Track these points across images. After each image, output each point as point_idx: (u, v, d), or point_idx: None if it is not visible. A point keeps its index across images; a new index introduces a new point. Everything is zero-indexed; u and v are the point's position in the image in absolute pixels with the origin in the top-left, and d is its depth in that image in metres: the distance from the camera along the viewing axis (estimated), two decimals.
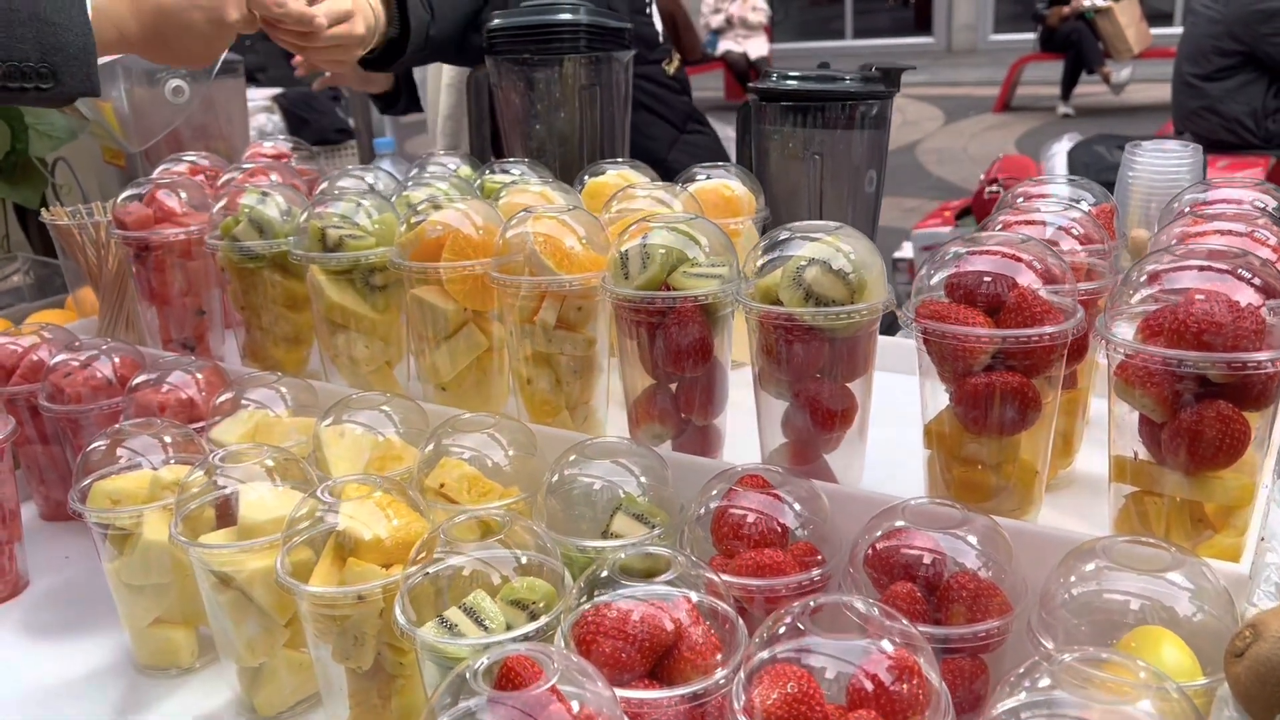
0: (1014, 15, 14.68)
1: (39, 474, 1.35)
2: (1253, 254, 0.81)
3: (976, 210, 3.78)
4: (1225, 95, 5.08)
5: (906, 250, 4.19)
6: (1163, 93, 5.48)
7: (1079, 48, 9.94)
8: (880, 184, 1.50)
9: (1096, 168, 3.62)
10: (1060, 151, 3.84)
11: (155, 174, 1.52)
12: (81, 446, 1.26)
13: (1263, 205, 0.99)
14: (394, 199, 1.29)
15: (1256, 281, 0.76)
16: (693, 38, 11.21)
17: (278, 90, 4.40)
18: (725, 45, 12.05)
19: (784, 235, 0.94)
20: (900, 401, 1.03)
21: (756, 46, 12.02)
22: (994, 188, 3.61)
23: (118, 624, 1.11)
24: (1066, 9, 9.84)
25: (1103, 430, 1.01)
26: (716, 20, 11.96)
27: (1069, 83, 10.14)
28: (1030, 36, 11.10)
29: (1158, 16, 10.88)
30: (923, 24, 15.76)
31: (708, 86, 12.66)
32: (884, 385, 1.01)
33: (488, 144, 1.76)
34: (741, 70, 12.09)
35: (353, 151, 4.06)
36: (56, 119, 2.12)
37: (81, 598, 1.19)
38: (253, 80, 7.13)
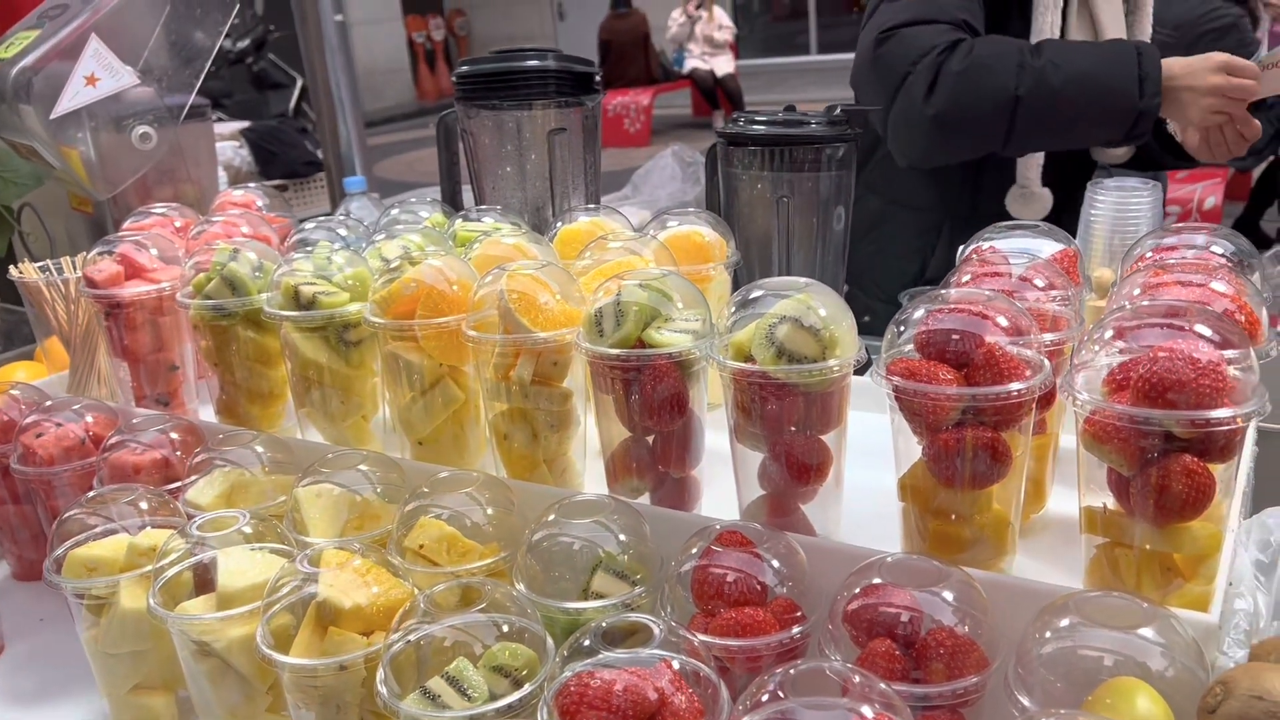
0: None
1: (11, 534, 1.34)
2: (1211, 308, 0.83)
3: None
4: None
5: None
6: None
7: None
8: (848, 220, 1.52)
9: None
10: None
11: (125, 225, 1.52)
12: (55, 507, 1.25)
13: (1220, 251, 1.01)
14: (366, 249, 1.29)
15: (1215, 337, 0.78)
16: None
17: (245, 124, 4.38)
18: (692, 63, 12.12)
19: (756, 293, 0.96)
20: (876, 442, 1.04)
21: (723, 64, 12.10)
22: None
23: (96, 689, 1.10)
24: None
25: (1073, 468, 1.03)
26: (676, 31, 12.02)
27: None
28: None
29: None
30: None
31: (675, 104, 12.73)
32: (860, 425, 1.02)
33: (457, 187, 1.77)
34: (708, 87, 12.17)
35: (322, 185, 4.05)
36: (21, 165, 2.10)
37: (58, 662, 1.18)
38: (218, 106, 7.09)
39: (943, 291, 0.91)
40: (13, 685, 1.15)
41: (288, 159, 4.13)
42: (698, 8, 11.90)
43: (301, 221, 2.19)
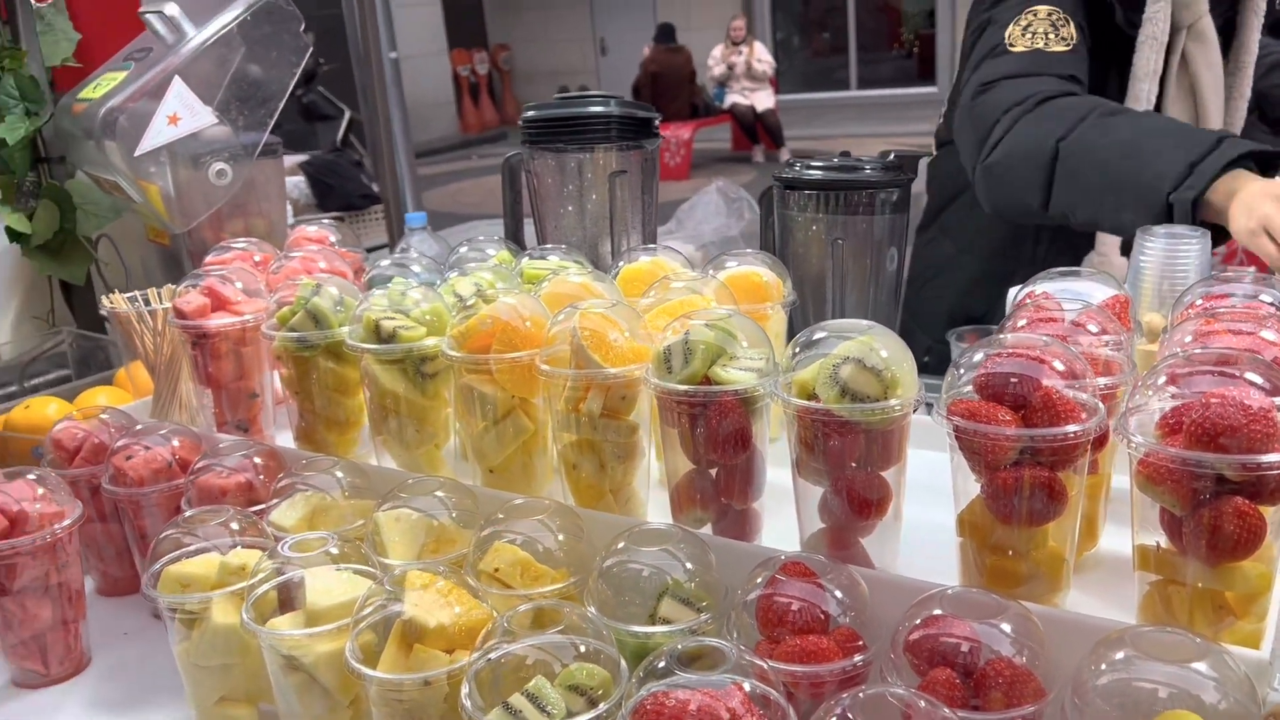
0: None
1: (97, 551, 1.41)
2: (1261, 356, 0.87)
3: None
4: None
5: None
6: None
7: None
8: (901, 261, 1.56)
9: None
10: None
11: (207, 260, 1.59)
12: (142, 526, 1.32)
13: (1268, 299, 1.05)
14: (440, 285, 1.36)
15: (1266, 384, 0.82)
16: None
17: (303, 157, 4.52)
18: (732, 98, 12.25)
19: (819, 334, 1.01)
20: (932, 479, 1.08)
21: (763, 99, 12.22)
22: None
23: (179, 700, 1.16)
24: None
25: (1123, 508, 1.07)
26: (720, 71, 12.17)
27: None
28: None
29: None
30: (926, 73, 16.00)
31: (715, 139, 12.86)
32: (916, 462, 1.06)
33: (520, 224, 1.84)
34: (748, 122, 12.29)
35: (377, 217, 4.16)
36: (102, 199, 2.21)
37: (143, 674, 1.24)
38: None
39: (1000, 336, 0.96)
40: (101, 696, 1.22)
41: (344, 191, 4.24)
42: (739, 44, 12.05)
43: (370, 251, 2.27)
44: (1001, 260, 2.00)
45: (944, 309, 2.06)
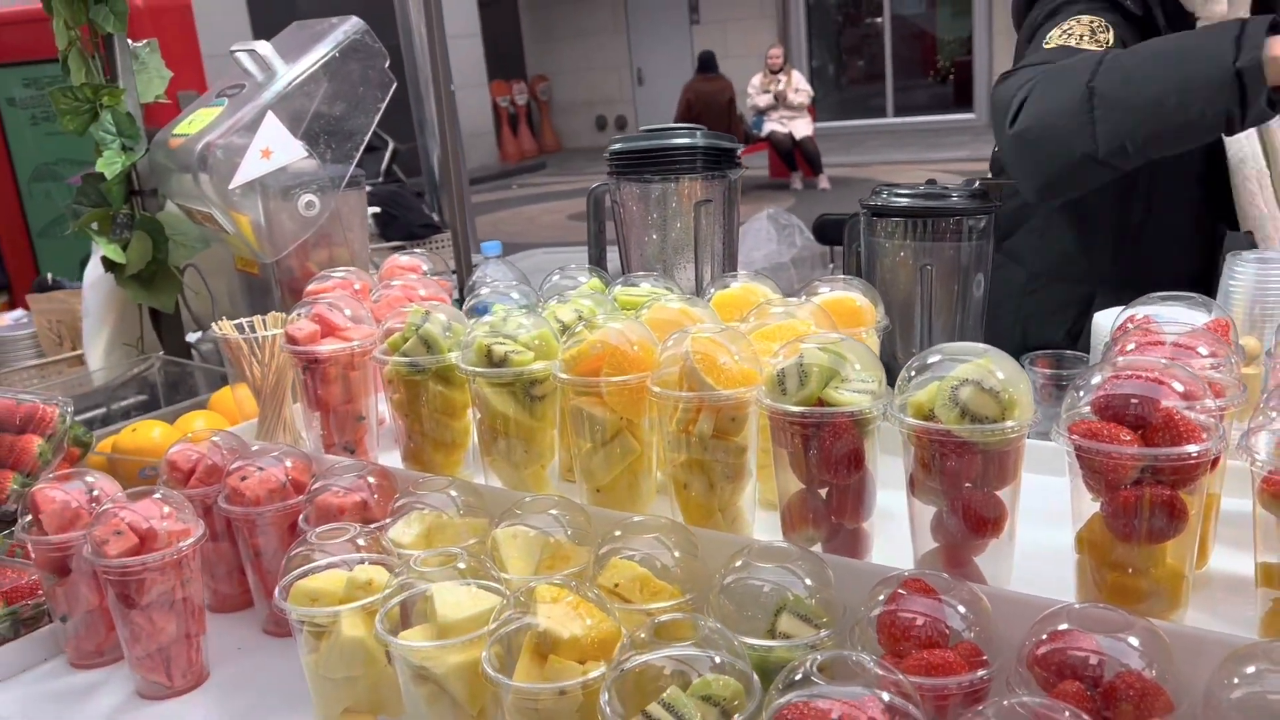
0: None
1: (209, 569, 1.46)
2: None
3: None
4: None
5: None
6: None
7: None
8: (987, 286, 1.59)
9: None
10: None
11: (309, 288, 1.65)
12: (257, 545, 1.37)
13: None
14: (542, 311, 1.41)
15: None
16: None
17: (367, 188, 4.61)
18: (770, 126, 12.33)
19: (934, 357, 1.04)
20: (1042, 502, 1.11)
21: (801, 127, 12.29)
22: None
23: (297, 712, 1.20)
24: None
25: (1232, 530, 1.08)
26: (764, 100, 12.25)
27: None
28: None
29: None
30: (962, 99, 16.02)
31: (753, 165, 12.93)
32: (1027, 487, 1.08)
33: (603, 252, 1.89)
34: (786, 150, 12.36)
35: (440, 245, 4.24)
36: (190, 229, 2.29)
37: (260, 687, 1.29)
38: None
39: (1116, 359, 0.98)
40: (224, 707, 1.26)
41: (406, 221, 4.35)
42: (776, 72, 12.13)
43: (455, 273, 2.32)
44: (1078, 285, 2.01)
45: (1021, 334, 2.07)
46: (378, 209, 4.25)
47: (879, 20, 16.62)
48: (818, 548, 1.15)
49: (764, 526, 1.26)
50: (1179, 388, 0.93)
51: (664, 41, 17.30)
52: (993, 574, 1.06)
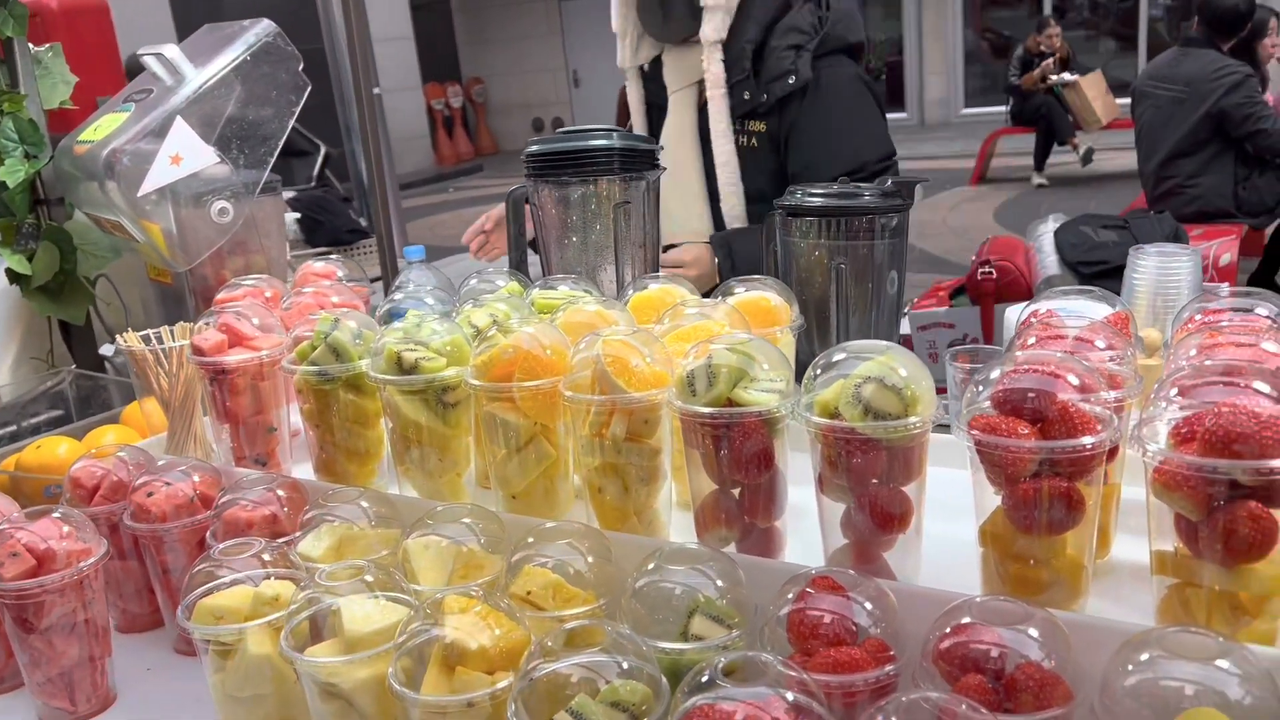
0: (983, 89, 15.18)
1: (116, 588, 1.42)
2: (1265, 366, 0.91)
3: (971, 291, 3.93)
4: (1198, 170, 5.30)
5: (903, 327, 4.32)
6: (1133, 160, 5.71)
7: (1049, 120, 10.29)
8: (901, 284, 1.61)
9: (1083, 246, 3.78)
10: (1047, 232, 4.00)
11: (218, 297, 1.61)
12: (165, 562, 1.34)
13: (1264, 313, 1.10)
14: (455, 316, 1.39)
15: (1273, 392, 0.86)
16: None
17: (290, 194, 4.53)
18: None
19: (839, 355, 1.04)
20: (953, 496, 1.11)
21: None
22: (987, 269, 3.76)
23: None
24: (1036, 72, 10.18)
25: (1135, 518, 1.10)
26: None
27: (1041, 155, 10.47)
28: (1000, 109, 11.48)
29: (1122, 86, 11.28)
30: (895, 99, 16.24)
31: None
32: (939, 481, 1.09)
33: (525, 256, 1.87)
34: None
35: (365, 251, 4.18)
36: (101, 239, 2.23)
37: (169, 709, 1.25)
38: None
39: (1015, 353, 1.00)
40: None
41: (333, 227, 4.27)
42: None
43: (374, 280, 2.29)
44: None
45: None
46: (298, 215, 4.18)
47: None
48: (732, 548, 1.15)
49: (682, 528, 1.26)
50: (1075, 381, 0.94)
51: (600, 43, 17.25)
52: (902, 569, 1.06)
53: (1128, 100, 6.03)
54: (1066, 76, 10.13)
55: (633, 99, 2.33)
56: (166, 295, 2.17)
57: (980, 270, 3.79)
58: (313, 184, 7.90)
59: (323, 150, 8.09)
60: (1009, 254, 3.97)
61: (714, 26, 2.05)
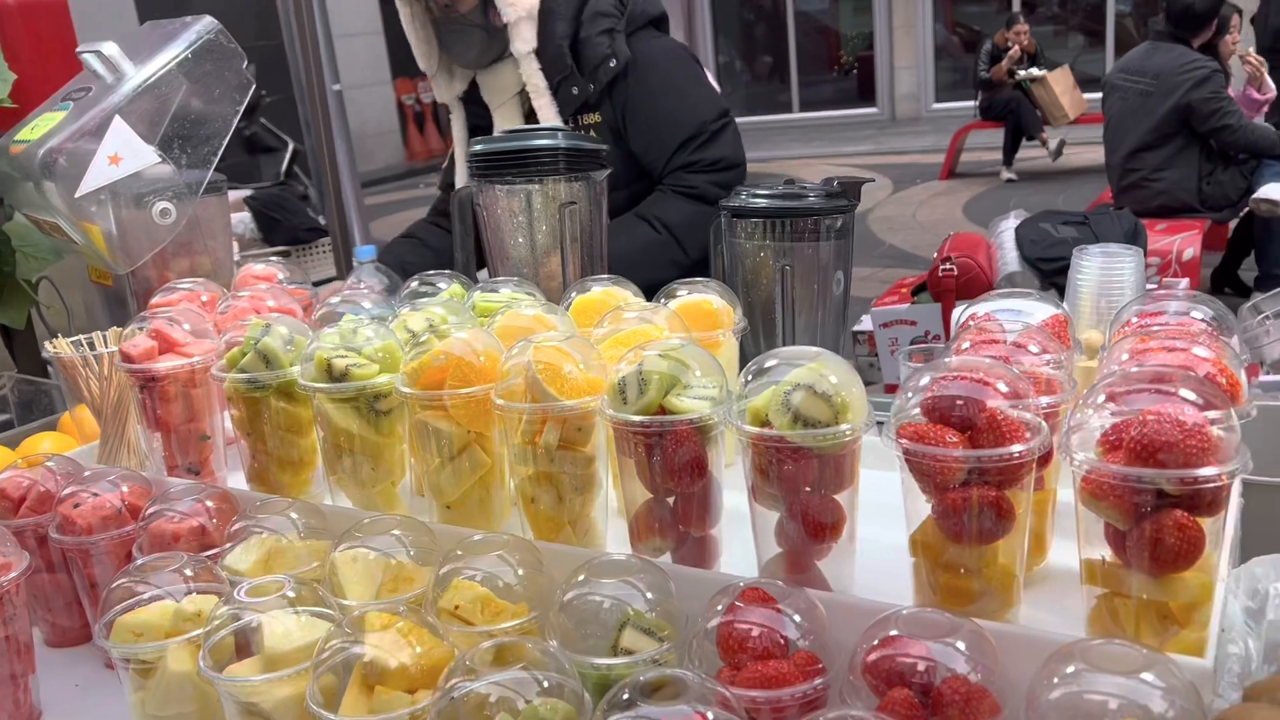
0: (953, 84, 15.24)
1: (45, 602, 1.38)
2: (1195, 372, 0.90)
3: (932, 288, 3.93)
4: (1162, 164, 5.33)
5: (866, 324, 4.32)
6: (1102, 155, 5.75)
7: (1017, 116, 10.34)
8: (848, 284, 1.59)
9: (1043, 243, 3.79)
10: (1008, 229, 4.01)
11: (153, 301, 1.58)
12: (92, 575, 1.30)
13: (1200, 316, 1.09)
14: (391, 322, 1.36)
15: (1200, 400, 0.85)
16: None
17: (248, 191, 4.48)
18: None
19: (771, 361, 1.02)
20: (886, 499, 1.10)
21: None
22: (948, 265, 3.77)
23: None
24: (1003, 63, 10.23)
25: (1071, 523, 1.09)
26: None
27: (1010, 149, 10.52)
28: (970, 104, 11.53)
29: (1091, 81, 11.36)
30: (866, 94, 16.28)
31: None
32: (871, 482, 1.07)
33: (472, 257, 1.84)
34: None
35: (325, 250, 4.13)
36: (42, 240, 2.17)
37: None
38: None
39: (946, 359, 0.98)
40: None
41: (290, 225, 4.21)
42: None
43: (318, 284, 2.25)
44: None
45: None
46: (247, 214, 4.12)
47: (783, 16, 16.78)
48: (667, 557, 1.13)
49: (620, 536, 1.23)
50: (1004, 387, 0.93)
51: None
52: (835, 578, 1.05)
53: (1096, 95, 6.06)
54: (1035, 71, 10.18)
55: (457, 128, 2.35)
56: (110, 297, 2.12)
57: (941, 267, 3.79)
58: (281, 180, 7.84)
59: (290, 146, 8.01)
60: (970, 251, 3.98)
61: (523, 39, 2.09)
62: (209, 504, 1.28)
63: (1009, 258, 3.79)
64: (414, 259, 2.35)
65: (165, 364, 1.38)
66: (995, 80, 10.28)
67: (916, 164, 11.79)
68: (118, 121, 1.93)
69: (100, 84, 2.00)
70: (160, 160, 1.97)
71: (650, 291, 1.47)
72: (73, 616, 1.39)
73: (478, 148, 1.69)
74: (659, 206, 2.16)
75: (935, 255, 4.02)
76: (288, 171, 7.98)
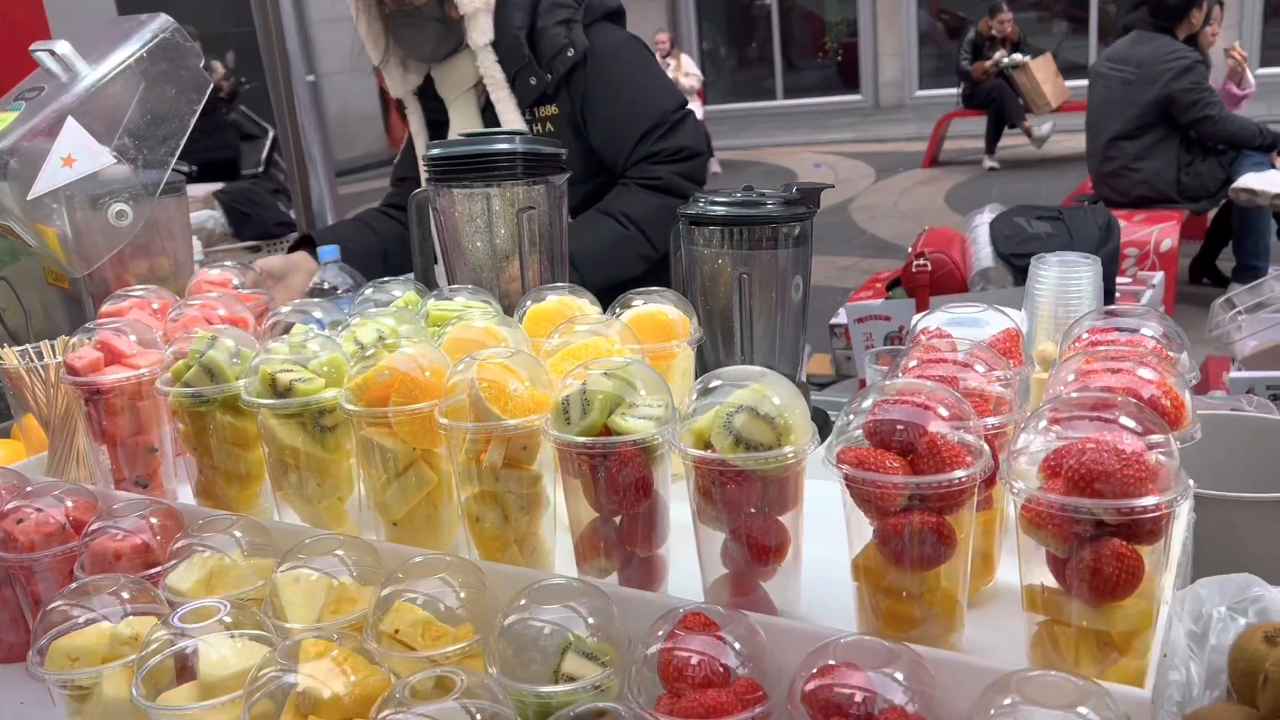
0: (936, 70, 15.23)
1: None
2: (1136, 397, 0.89)
3: (906, 283, 3.92)
4: (1142, 153, 5.34)
5: (841, 317, 4.31)
6: (1083, 144, 5.75)
7: (1000, 104, 10.34)
8: (807, 290, 1.58)
9: (1017, 238, 3.79)
10: (983, 223, 4.00)
11: (103, 309, 1.55)
12: (36, 592, 1.28)
13: (1149, 333, 1.08)
14: (341, 333, 1.34)
15: (1139, 427, 0.84)
16: None
17: (218, 186, 4.42)
18: None
19: (715, 382, 1.01)
20: (837, 511, 1.08)
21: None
22: (922, 261, 3.76)
23: None
24: (988, 64, 10.23)
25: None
26: None
27: (993, 138, 10.53)
28: (953, 91, 11.52)
29: (1074, 69, 11.36)
30: (850, 81, 16.26)
31: None
32: (821, 498, 1.06)
33: (430, 262, 1.82)
34: None
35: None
36: None
37: None
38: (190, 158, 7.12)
39: (889, 382, 0.97)
40: None
41: (261, 220, 4.17)
42: (665, 56, 12.10)
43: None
44: None
45: None
46: (218, 210, 4.08)
47: (767, 3, 16.72)
48: (613, 578, 1.11)
49: (569, 555, 1.21)
50: (944, 412, 0.91)
51: None
52: (781, 599, 1.04)
53: (1078, 83, 6.03)
54: (1017, 58, 10.17)
55: (414, 124, 2.32)
56: (68, 301, 2.09)
57: (915, 263, 3.78)
58: (260, 169, 7.76)
59: (270, 134, 7.93)
60: (945, 246, 3.97)
61: (480, 30, 2.07)
62: (153, 520, 1.25)
63: (983, 253, 3.79)
64: (356, 239, 2.33)
65: (110, 376, 1.35)
66: (977, 78, 10.28)
67: (900, 152, 11.79)
68: (71, 122, 1.89)
69: (54, 83, 1.96)
70: (116, 161, 1.94)
71: (619, 288, 1.46)
72: (19, 632, 1.37)
73: (434, 151, 1.66)
74: (623, 201, 2.14)
75: (910, 250, 4.01)
76: (268, 160, 7.91)
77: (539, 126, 2.15)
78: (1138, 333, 1.08)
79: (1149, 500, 0.80)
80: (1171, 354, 1.05)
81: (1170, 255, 5.07)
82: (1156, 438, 0.84)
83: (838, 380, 4.57)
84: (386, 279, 1.57)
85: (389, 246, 2.36)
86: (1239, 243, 5.65)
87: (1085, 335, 1.11)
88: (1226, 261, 5.88)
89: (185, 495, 1.43)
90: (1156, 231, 5.04)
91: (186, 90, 2.02)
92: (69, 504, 1.31)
